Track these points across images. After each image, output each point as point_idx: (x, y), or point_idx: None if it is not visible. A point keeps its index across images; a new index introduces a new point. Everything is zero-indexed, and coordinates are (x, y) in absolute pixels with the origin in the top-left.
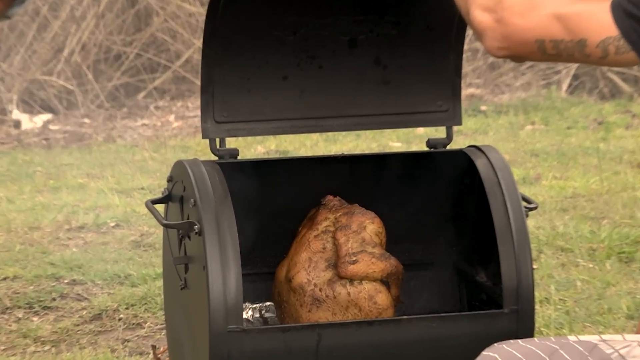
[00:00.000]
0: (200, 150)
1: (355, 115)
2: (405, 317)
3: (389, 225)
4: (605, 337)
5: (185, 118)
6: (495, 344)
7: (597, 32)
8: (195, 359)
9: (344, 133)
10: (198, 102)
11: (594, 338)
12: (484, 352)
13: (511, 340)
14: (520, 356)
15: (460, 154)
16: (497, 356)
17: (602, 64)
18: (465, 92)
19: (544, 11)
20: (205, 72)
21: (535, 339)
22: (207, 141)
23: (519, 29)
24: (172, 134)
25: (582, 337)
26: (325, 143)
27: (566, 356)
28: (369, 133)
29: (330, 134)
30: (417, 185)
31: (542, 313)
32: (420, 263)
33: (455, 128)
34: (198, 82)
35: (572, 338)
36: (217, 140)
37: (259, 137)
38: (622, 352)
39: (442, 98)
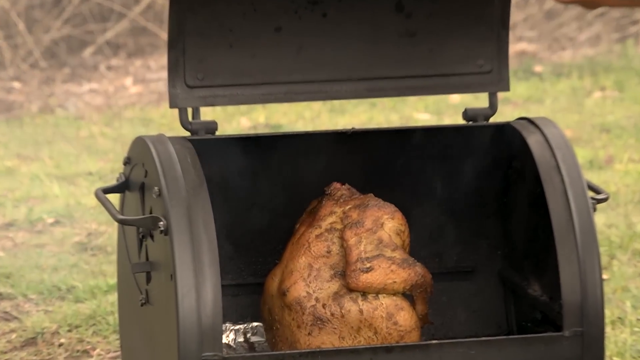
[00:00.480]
0: (166, 124)
1: (370, 78)
2: (435, 341)
3: (414, 221)
4: None
5: (147, 81)
6: None
7: None
8: None
9: (354, 101)
10: (163, 61)
11: None
12: None
13: None
14: None
15: (507, 129)
16: None
17: None
18: (514, 47)
19: None
20: (173, 22)
21: None
22: (175, 112)
23: None
24: (129, 102)
25: None
26: (330, 114)
27: None
28: (387, 101)
29: (336, 102)
30: (451, 169)
31: (615, 337)
32: (454, 271)
33: (500, 95)
34: (163, 35)
35: None
36: (189, 110)
37: (243, 107)
38: None
39: (484, 56)
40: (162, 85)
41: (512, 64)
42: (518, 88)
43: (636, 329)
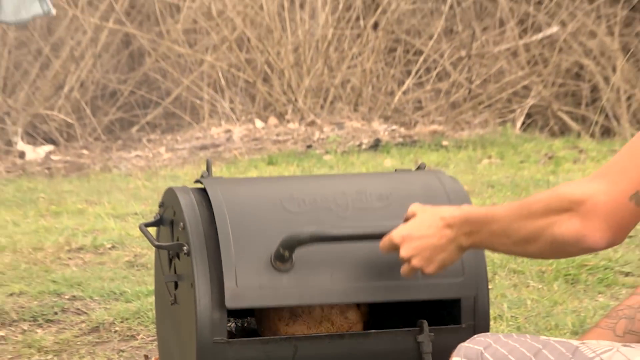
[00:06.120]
0: (188, 179)
1: None
2: (373, 331)
3: None
4: (586, 341)
5: (175, 150)
6: (475, 336)
7: None
8: None
9: None
10: (187, 136)
11: (573, 341)
12: (465, 344)
13: (489, 334)
14: (505, 353)
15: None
16: (481, 349)
17: None
18: (428, 128)
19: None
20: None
21: (514, 334)
22: (195, 170)
23: (611, 200)
24: (163, 164)
25: (560, 339)
26: None
27: (550, 356)
28: None
29: None
30: None
31: (496, 329)
32: None
33: (421, 160)
34: (186, 117)
35: (552, 338)
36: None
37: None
38: (603, 356)
39: None
40: (186, 153)
41: (426, 139)
42: (431, 156)
43: (510, 323)
